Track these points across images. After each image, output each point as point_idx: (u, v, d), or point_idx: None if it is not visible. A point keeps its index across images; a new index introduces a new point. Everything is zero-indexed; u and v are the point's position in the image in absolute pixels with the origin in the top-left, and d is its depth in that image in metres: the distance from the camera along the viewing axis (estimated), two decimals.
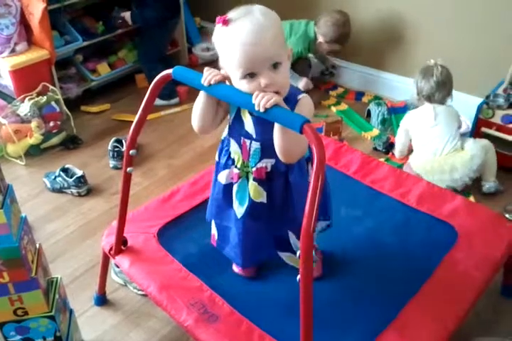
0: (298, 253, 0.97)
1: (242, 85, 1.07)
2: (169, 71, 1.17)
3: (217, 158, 1.33)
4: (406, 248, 1.54)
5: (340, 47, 2.69)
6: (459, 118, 2.18)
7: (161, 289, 1.37)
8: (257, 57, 1.04)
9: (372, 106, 2.64)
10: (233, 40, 1.05)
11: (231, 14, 1.08)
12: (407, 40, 2.65)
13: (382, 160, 2.32)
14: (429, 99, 2.14)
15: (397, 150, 2.33)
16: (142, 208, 1.66)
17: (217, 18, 1.07)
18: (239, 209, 1.28)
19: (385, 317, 1.30)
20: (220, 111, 1.21)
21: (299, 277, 0.98)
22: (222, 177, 1.29)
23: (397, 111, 2.63)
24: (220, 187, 1.31)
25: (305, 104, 1.13)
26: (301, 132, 0.92)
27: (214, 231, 1.42)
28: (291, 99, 1.12)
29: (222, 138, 1.31)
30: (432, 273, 1.42)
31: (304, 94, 1.15)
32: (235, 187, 1.27)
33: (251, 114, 1.16)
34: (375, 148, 2.47)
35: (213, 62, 3.20)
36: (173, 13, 2.79)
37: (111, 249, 1.49)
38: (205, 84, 1.07)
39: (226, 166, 1.28)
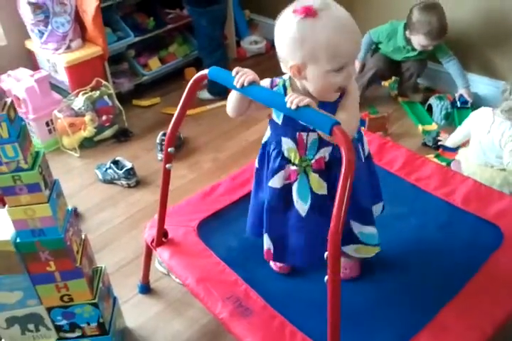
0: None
1: (328, 78, 1.08)
2: (205, 71, 1.19)
3: (257, 166, 1.34)
4: (448, 249, 1.50)
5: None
6: None
7: (198, 281, 1.41)
8: (351, 50, 1.07)
9: (433, 101, 2.56)
10: (327, 33, 1.03)
11: (309, 5, 1.05)
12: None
13: (431, 156, 2.26)
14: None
15: (452, 138, 2.23)
16: (183, 202, 1.70)
17: (298, 8, 1.03)
18: (302, 208, 1.28)
19: (420, 319, 1.28)
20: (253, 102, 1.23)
21: (326, 278, 0.97)
22: (276, 181, 1.28)
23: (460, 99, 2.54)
24: (274, 192, 1.29)
25: (353, 89, 1.17)
26: (330, 134, 0.92)
27: (268, 245, 1.38)
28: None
29: (263, 142, 1.31)
30: (473, 276, 1.37)
31: (352, 87, 1.17)
32: (294, 186, 1.27)
33: None
34: (424, 144, 2.40)
35: (260, 56, 3.22)
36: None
37: (152, 241, 1.55)
38: (238, 86, 1.09)
39: (280, 168, 1.27)
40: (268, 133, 1.29)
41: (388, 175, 1.75)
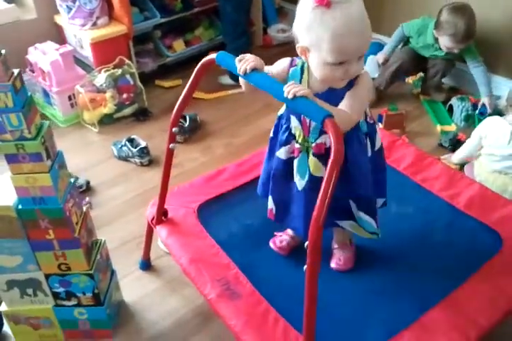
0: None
1: (326, 70, 1.10)
2: (213, 56, 1.21)
3: (272, 134, 1.38)
4: (445, 251, 1.50)
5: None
6: None
7: (191, 262, 1.45)
8: (354, 49, 1.07)
9: (454, 101, 2.52)
10: (334, 27, 1.04)
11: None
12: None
13: (446, 156, 2.22)
14: None
15: (460, 155, 2.14)
16: (188, 184, 1.73)
17: None
18: (300, 182, 1.32)
19: (406, 318, 1.28)
20: None
21: (305, 267, 0.99)
22: (282, 152, 1.33)
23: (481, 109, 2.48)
24: (280, 162, 1.35)
25: (364, 80, 1.16)
26: (322, 126, 0.92)
27: (271, 205, 1.44)
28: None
29: (279, 114, 1.34)
30: (466, 280, 1.37)
31: (365, 70, 1.17)
32: (295, 162, 1.31)
33: None
34: (440, 144, 2.36)
35: (287, 44, 3.19)
36: None
37: (153, 219, 1.58)
38: (241, 73, 1.11)
39: (287, 142, 1.31)
40: (284, 106, 1.32)
41: (395, 173, 1.74)
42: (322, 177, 1.25)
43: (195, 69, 1.28)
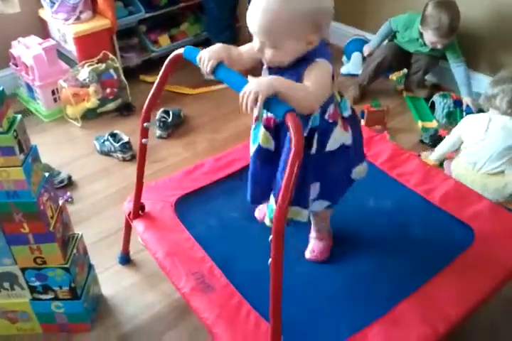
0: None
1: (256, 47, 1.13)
2: (181, 50, 1.21)
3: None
4: (418, 245, 1.52)
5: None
6: None
7: (166, 255, 1.46)
8: (256, 27, 1.08)
9: (436, 98, 2.54)
10: (251, 4, 1.08)
11: None
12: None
13: (427, 153, 2.24)
14: (501, 112, 1.94)
15: (438, 153, 2.17)
16: (167, 178, 1.74)
17: None
18: (252, 147, 1.34)
19: (376, 311, 1.30)
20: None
21: (270, 260, 1.00)
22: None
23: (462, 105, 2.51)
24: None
25: (318, 67, 1.12)
26: (284, 120, 0.94)
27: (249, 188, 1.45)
28: (309, 59, 1.13)
29: None
30: (437, 274, 1.39)
31: (322, 59, 1.13)
32: (252, 127, 1.32)
33: (268, 68, 1.20)
34: (421, 141, 2.38)
35: None
36: None
37: (130, 213, 1.59)
38: (205, 72, 1.13)
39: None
40: None
41: (372, 167, 1.74)
42: (269, 150, 1.27)
43: (164, 64, 1.29)
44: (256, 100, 0.98)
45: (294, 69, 1.14)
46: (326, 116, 1.22)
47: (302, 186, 1.23)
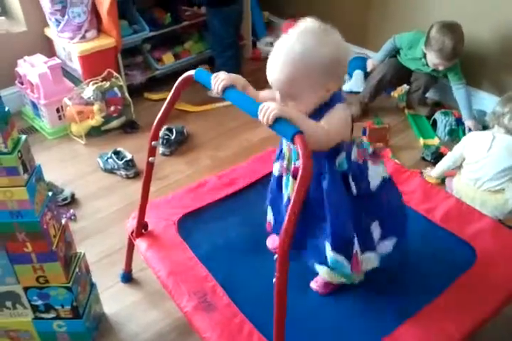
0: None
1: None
2: (192, 72, 1.24)
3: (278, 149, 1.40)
4: (419, 264, 1.51)
5: None
6: None
7: (169, 274, 1.46)
8: (273, 80, 1.12)
9: (438, 116, 2.55)
10: (270, 56, 1.11)
11: (297, 25, 1.11)
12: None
13: (429, 169, 2.24)
14: (507, 131, 1.95)
15: (440, 169, 2.16)
16: (170, 196, 1.75)
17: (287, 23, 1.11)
18: (284, 197, 1.35)
19: (380, 331, 1.29)
20: None
21: (274, 280, 1.00)
22: (276, 168, 1.37)
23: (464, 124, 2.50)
24: (274, 177, 1.38)
25: (336, 110, 1.17)
26: (293, 142, 0.95)
27: (270, 217, 1.47)
28: (330, 104, 1.18)
29: None
30: (439, 294, 1.38)
31: (341, 104, 1.19)
32: (284, 179, 1.34)
33: None
34: (423, 158, 2.39)
35: None
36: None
37: (133, 232, 1.60)
38: (215, 92, 1.15)
39: (279, 158, 1.35)
40: None
41: None
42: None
43: (175, 85, 1.31)
44: (270, 115, 1.01)
45: (316, 114, 1.17)
46: (353, 158, 1.23)
47: (364, 229, 1.27)
